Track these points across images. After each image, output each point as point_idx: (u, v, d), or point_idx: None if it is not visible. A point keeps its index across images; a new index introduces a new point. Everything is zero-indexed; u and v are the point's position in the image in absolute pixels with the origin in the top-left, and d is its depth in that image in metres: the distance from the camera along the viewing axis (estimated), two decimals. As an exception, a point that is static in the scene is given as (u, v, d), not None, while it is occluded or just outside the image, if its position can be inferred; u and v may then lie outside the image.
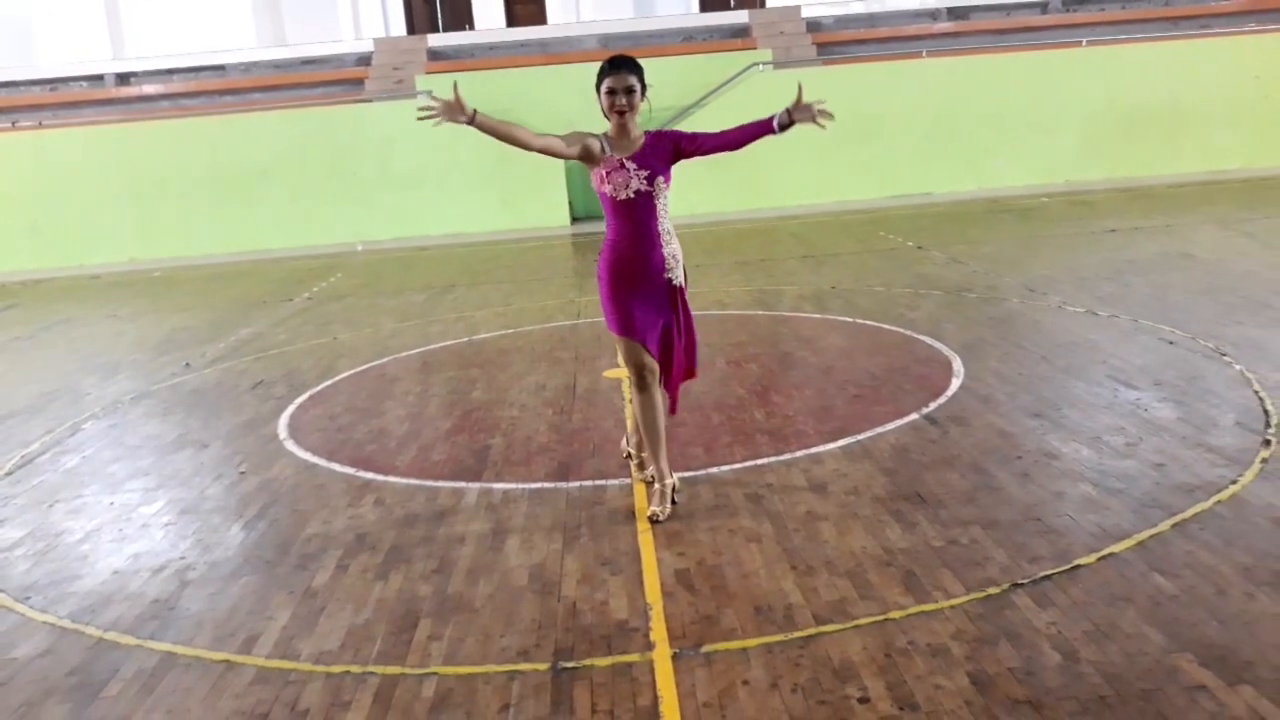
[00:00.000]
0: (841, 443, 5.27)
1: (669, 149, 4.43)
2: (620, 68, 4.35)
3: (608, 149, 4.40)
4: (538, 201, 18.05)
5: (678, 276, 4.50)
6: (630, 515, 4.52)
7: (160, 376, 8.32)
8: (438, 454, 5.65)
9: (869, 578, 3.74)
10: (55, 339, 10.80)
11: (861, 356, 7.11)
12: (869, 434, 5.37)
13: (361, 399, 7.05)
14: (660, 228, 4.45)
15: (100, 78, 21.07)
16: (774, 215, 17.12)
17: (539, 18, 24.26)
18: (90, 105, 20.37)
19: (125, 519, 5.02)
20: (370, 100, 19.24)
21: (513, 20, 24.37)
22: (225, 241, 18.10)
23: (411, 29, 24.40)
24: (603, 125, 4.52)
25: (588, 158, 4.40)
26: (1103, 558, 3.76)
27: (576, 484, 4.98)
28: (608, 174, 4.38)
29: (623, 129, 4.41)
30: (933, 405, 5.79)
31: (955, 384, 6.20)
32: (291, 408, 6.97)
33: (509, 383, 7.13)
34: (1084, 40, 18.87)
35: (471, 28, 24.37)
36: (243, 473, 5.62)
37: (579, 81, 19.39)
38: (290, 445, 6.06)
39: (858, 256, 11.83)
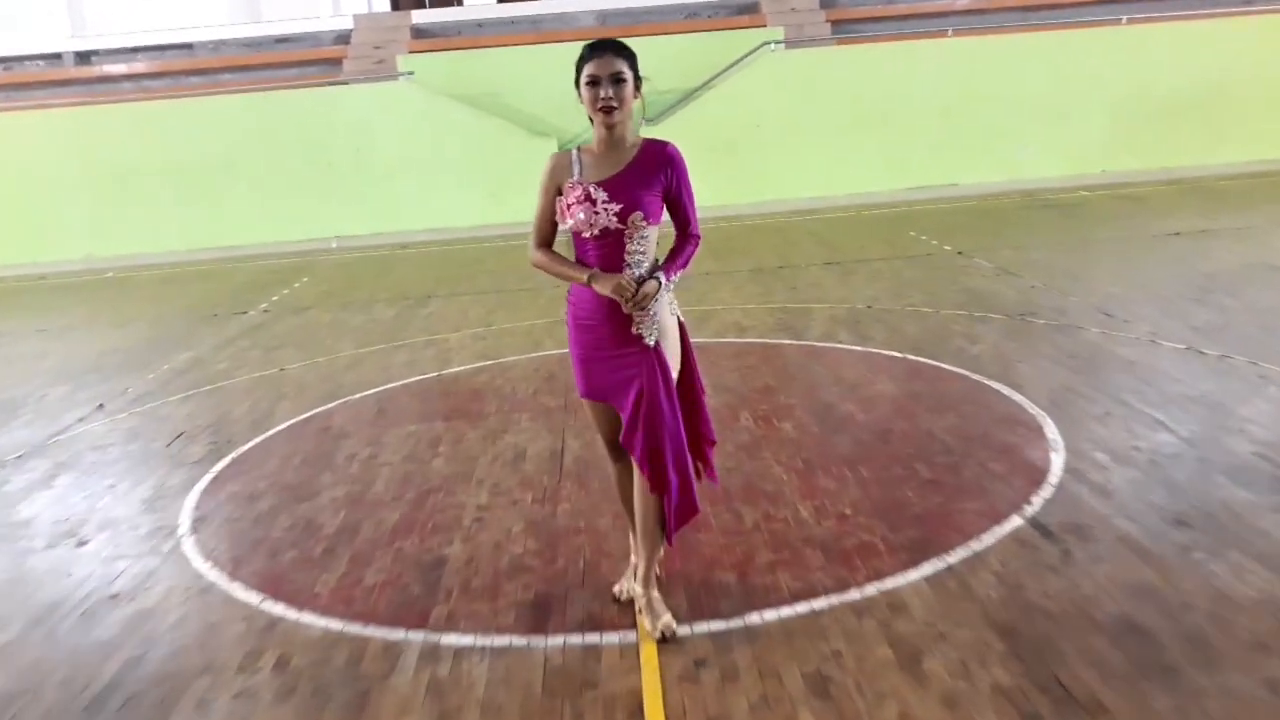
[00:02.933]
0: (927, 569, 3.83)
1: (663, 178, 3.42)
2: (605, 50, 3.34)
3: (578, 170, 3.41)
4: (527, 194, 16.41)
5: (649, 335, 3.43)
6: (638, 711, 3.09)
7: (66, 421, 6.89)
8: (374, 571, 4.21)
9: None
10: (-34, 362, 9.35)
11: (924, 413, 5.66)
12: (961, 552, 3.93)
13: (294, 468, 5.60)
14: (630, 275, 3.39)
15: (58, 56, 19.54)
16: (787, 210, 15.65)
17: (531, -7, 22.64)
18: (46, 86, 18.85)
19: (-69, 683, 3.59)
20: (347, 82, 17.73)
21: (503, -5, 22.76)
22: (189, 237, 16.63)
23: (396, 4, 22.85)
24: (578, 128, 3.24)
25: (557, 190, 3.48)
26: None
27: (560, 639, 3.53)
28: (569, 206, 3.39)
29: (610, 134, 3.39)
30: (1037, 502, 4.36)
31: (1056, 464, 4.76)
32: (207, 479, 5.53)
33: (480, 446, 5.69)
34: (1124, 18, 17.35)
35: (459, 3, 22.83)
36: (115, 596, 4.18)
37: (571, 62, 17.94)
38: (189, 547, 4.62)
39: (890, 264, 10.37)
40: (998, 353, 6.76)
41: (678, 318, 3.58)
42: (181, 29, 19.77)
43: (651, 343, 3.44)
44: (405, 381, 7.22)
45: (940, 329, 7.52)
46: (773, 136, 16.94)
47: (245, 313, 10.49)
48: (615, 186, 3.35)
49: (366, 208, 16.69)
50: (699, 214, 3.60)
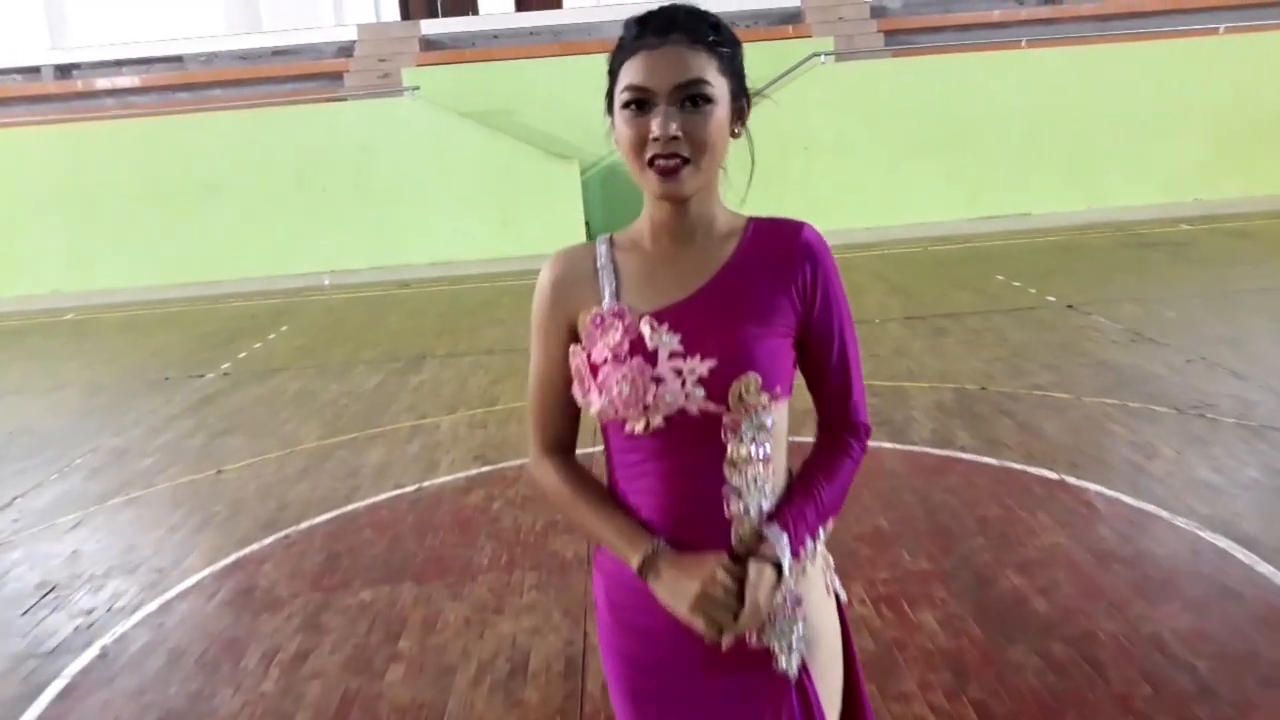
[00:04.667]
0: None
1: (796, 298, 1.54)
2: (668, 30, 1.47)
3: (612, 285, 1.54)
4: (547, 221, 14.58)
5: (786, 655, 1.56)
6: None
7: (-88, 556, 5.07)
8: None
9: None
10: None
11: (1134, 597, 3.73)
12: None
13: (184, 675, 3.72)
14: (739, 511, 1.54)
15: (36, 70, 17.91)
16: (842, 243, 13.67)
17: (553, 1, 20.91)
18: (22, 102, 17.20)
19: None
20: (346, 98, 15.98)
21: (522, 4, 21.05)
22: (168, 270, 14.88)
23: (406, 14, 21.17)
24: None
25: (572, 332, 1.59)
26: None
27: None
28: (595, 367, 1.51)
29: (681, 214, 1.52)
30: None
31: None
32: (52, 691, 3.68)
33: (461, 640, 3.80)
34: (1221, 26, 15.36)
35: (475, 13, 21.08)
36: None
37: (597, 76, 16.13)
38: None
39: (987, 321, 8.44)
40: (1191, 476, 4.83)
41: (835, 592, 1.70)
42: (172, 40, 18.12)
43: (793, 669, 1.56)
44: (372, 500, 5.35)
45: (1092, 429, 5.58)
46: (823, 159, 15.06)
47: (202, 375, 8.67)
48: (695, 320, 1.50)
49: (364, 238, 14.89)
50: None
